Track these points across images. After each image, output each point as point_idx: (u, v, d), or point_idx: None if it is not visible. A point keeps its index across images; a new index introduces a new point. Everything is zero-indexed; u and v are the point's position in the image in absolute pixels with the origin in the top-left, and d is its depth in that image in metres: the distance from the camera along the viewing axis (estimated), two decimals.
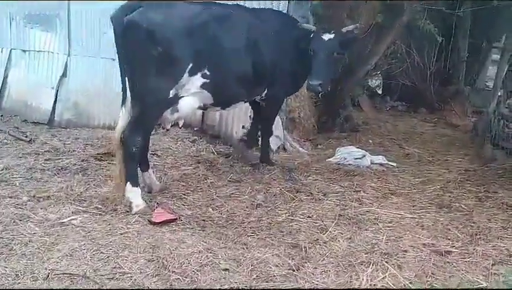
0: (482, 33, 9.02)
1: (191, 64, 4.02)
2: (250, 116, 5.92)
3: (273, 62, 4.64)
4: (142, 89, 3.94)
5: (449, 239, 3.75)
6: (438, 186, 4.93)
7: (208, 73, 4.14)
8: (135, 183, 4.02)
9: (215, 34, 4.16)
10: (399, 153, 6.27)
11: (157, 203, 4.12)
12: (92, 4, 6.48)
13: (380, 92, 9.77)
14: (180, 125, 5.77)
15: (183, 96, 4.12)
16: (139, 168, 4.26)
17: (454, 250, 3.58)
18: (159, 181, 4.53)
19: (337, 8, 7.03)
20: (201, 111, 5.67)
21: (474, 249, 3.59)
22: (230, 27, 4.29)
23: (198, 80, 4.13)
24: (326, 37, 4.57)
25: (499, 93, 7.50)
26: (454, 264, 3.38)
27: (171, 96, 4.02)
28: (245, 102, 4.96)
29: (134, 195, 3.99)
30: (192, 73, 4.06)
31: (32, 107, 6.98)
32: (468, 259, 3.45)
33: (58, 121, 6.80)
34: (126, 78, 3.96)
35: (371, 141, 6.77)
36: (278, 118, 5.88)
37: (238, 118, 6.03)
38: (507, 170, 5.47)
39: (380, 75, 9.20)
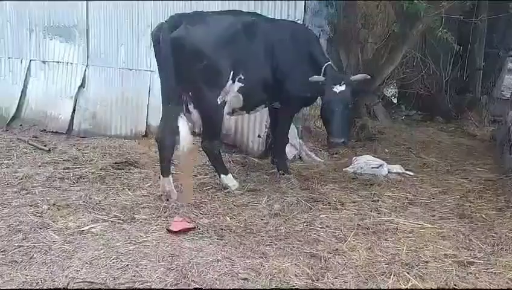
0: (498, 41, 8.93)
1: (232, 72, 4.37)
2: (265, 125, 5.94)
3: (288, 68, 4.80)
4: (197, 100, 4.32)
5: (471, 250, 3.68)
6: (458, 196, 4.85)
7: (242, 77, 4.49)
8: (226, 172, 4.76)
9: (245, 41, 4.49)
10: (416, 163, 6.19)
11: (175, 212, 4.12)
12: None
13: (395, 101, 9.71)
14: None
15: (227, 101, 4.50)
16: (160, 175, 4.44)
17: (477, 261, 3.50)
18: (177, 190, 4.55)
19: (352, 18, 7.07)
20: None
21: (496, 260, 3.51)
22: (255, 34, 4.58)
23: (236, 85, 4.49)
24: (338, 89, 4.58)
25: None
26: (477, 275, 3.31)
27: (219, 103, 4.40)
28: (265, 106, 5.16)
29: (229, 180, 4.73)
30: (234, 79, 4.43)
31: (51, 117, 7.10)
32: (491, 270, 3.38)
33: (76, 130, 6.90)
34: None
35: (387, 150, 6.70)
36: (293, 127, 5.89)
37: (253, 127, 6.04)
38: None
39: (395, 84, 9.15)
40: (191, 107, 4.35)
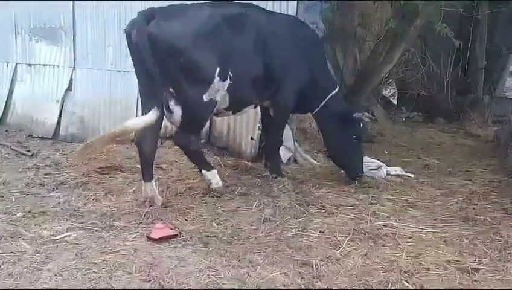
0: (500, 39, 8.67)
1: (218, 68, 4.02)
2: (259, 127, 5.69)
3: (283, 66, 4.54)
4: (179, 96, 3.99)
5: (476, 255, 3.40)
6: (461, 199, 4.58)
7: (230, 74, 4.16)
8: (209, 168, 4.37)
9: (230, 35, 4.14)
10: (417, 164, 5.93)
11: (159, 219, 3.85)
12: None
13: (395, 102, 9.45)
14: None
15: (217, 101, 4.17)
16: (142, 180, 4.18)
17: (482, 267, 3.23)
18: (161, 196, 4.28)
19: (349, 16, 6.85)
20: (208, 123, 5.47)
21: (504, 266, 3.24)
22: (243, 27, 4.26)
23: (226, 83, 4.16)
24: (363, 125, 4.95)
25: None
26: (483, 283, 3.04)
27: (206, 100, 4.06)
28: (254, 107, 4.84)
29: (212, 175, 4.34)
30: (222, 77, 4.08)
31: (37, 121, 6.87)
32: (498, 277, 3.11)
33: (63, 135, 6.66)
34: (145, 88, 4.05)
35: (386, 152, 6.44)
36: (288, 128, 5.64)
37: (246, 129, 5.78)
38: None
39: (394, 84, 8.90)
40: (171, 104, 4.02)
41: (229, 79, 4.17)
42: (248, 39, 4.30)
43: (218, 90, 4.13)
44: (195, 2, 4.44)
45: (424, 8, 5.53)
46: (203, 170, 4.36)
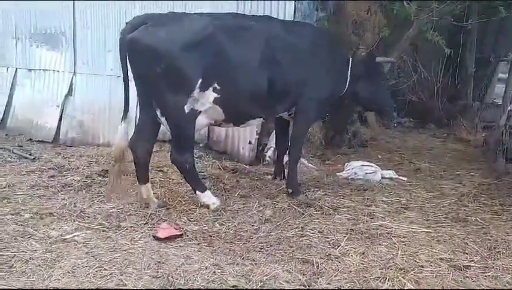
0: (489, 47, 8.94)
1: (200, 79, 3.97)
2: (256, 132, 5.84)
3: (301, 79, 4.49)
4: (161, 107, 4.00)
5: (467, 253, 3.59)
6: (452, 201, 4.76)
7: (218, 87, 4.07)
8: (203, 189, 4.30)
9: (223, 47, 4.02)
10: (409, 168, 6.12)
11: (163, 219, 3.99)
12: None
13: None
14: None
15: (201, 111, 4.10)
16: (137, 181, 4.31)
17: (473, 264, 3.41)
18: (163, 198, 4.42)
19: (343, 24, 7.02)
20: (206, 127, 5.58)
21: (493, 263, 3.43)
22: (243, 39, 4.14)
23: (210, 94, 4.09)
24: None
25: (510, 107, 7.39)
26: (474, 279, 3.22)
27: (187, 111, 4.01)
28: (264, 119, 4.80)
29: (208, 197, 4.27)
30: (203, 88, 4.02)
31: (38, 126, 6.95)
32: (489, 273, 3.29)
33: (63, 139, 6.76)
34: (129, 95, 4.12)
35: (379, 156, 6.62)
36: None
37: (244, 133, 5.94)
38: None
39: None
40: (158, 114, 4.03)
41: (216, 92, 4.06)
42: (246, 52, 4.13)
43: (198, 101, 4.04)
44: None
45: (416, 17, 5.73)
46: (197, 192, 4.26)
